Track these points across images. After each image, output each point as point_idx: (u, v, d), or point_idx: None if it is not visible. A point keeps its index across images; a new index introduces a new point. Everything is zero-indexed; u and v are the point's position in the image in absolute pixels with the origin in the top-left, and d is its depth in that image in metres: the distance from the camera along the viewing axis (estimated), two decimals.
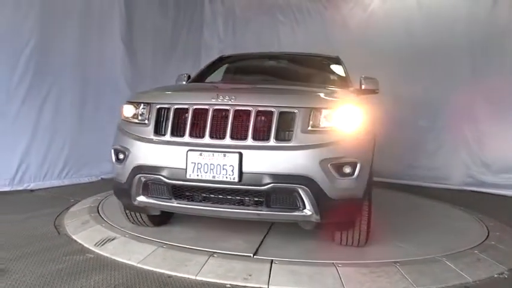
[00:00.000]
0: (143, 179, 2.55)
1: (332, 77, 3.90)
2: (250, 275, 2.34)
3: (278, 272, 2.39)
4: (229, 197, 2.45)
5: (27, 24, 4.69)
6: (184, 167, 2.39)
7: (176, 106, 2.54)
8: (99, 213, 3.52)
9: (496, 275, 2.58)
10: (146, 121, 2.62)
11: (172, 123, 2.52)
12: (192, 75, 4.07)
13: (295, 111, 2.38)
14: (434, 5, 6.15)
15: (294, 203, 2.38)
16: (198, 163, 2.37)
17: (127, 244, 2.77)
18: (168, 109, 2.57)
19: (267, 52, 4.65)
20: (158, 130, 2.57)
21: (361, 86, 3.53)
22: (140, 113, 2.69)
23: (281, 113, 2.38)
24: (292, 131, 2.36)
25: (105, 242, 2.82)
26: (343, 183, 2.36)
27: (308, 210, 2.36)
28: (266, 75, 4.16)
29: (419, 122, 6.15)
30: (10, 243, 2.83)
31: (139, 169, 2.54)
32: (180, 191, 2.53)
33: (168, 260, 2.52)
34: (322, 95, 2.73)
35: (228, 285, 2.26)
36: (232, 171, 2.31)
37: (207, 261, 2.48)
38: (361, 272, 2.42)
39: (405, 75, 6.08)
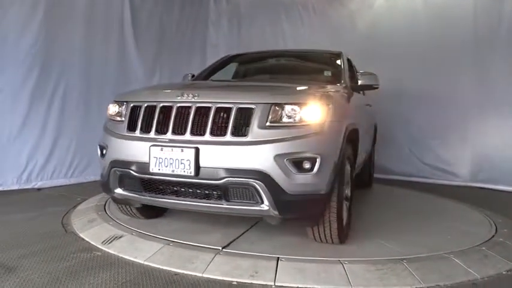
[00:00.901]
0: (118, 173, 2.71)
1: (325, 72, 3.87)
2: (256, 273, 2.34)
3: (284, 269, 2.38)
4: (191, 190, 2.53)
5: (33, 24, 4.72)
6: (148, 161, 2.51)
7: (146, 104, 2.67)
8: (105, 211, 3.54)
9: (504, 272, 2.56)
10: (122, 118, 2.78)
11: (142, 120, 2.65)
12: (197, 74, 4.12)
13: (253, 107, 2.41)
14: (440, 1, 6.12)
15: (252, 198, 2.40)
16: (159, 158, 2.47)
17: (134, 242, 2.78)
18: (140, 107, 2.69)
19: (268, 50, 4.67)
20: (130, 127, 2.71)
21: (357, 82, 3.49)
22: (119, 111, 2.85)
23: (239, 109, 2.43)
24: (249, 126, 2.39)
25: (112, 240, 2.84)
26: (301, 179, 2.36)
27: (265, 205, 2.38)
28: (265, 73, 4.30)
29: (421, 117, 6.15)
30: (18, 242, 2.85)
31: (115, 163, 2.70)
32: (148, 184, 2.64)
33: (174, 258, 2.53)
34: (286, 91, 2.72)
35: (235, 283, 2.27)
36: (189, 165, 2.40)
37: (213, 258, 2.48)
38: (368, 269, 2.40)
39: (410, 71, 6.06)
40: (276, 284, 2.26)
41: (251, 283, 2.26)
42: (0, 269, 2.36)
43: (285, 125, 2.39)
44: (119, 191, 2.77)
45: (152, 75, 6.30)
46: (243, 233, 2.97)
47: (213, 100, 2.50)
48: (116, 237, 2.87)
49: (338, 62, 3.79)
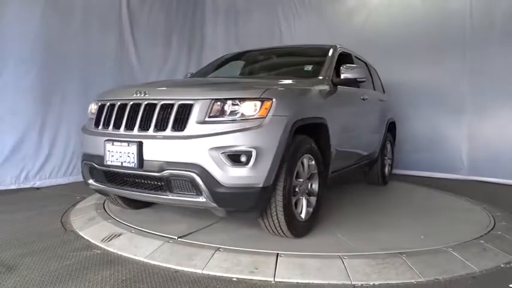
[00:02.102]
0: (87, 165, 2.95)
1: (306, 67, 3.81)
2: (256, 268, 2.35)
3: (284, 265, 2.39)
4: (140, 181, 2.68)
5: (32, 22, 4.70)
6: (104, 155, 2.72)
7: (109, 102, 2.89)
8: (105, 209, 3.54)
9: (502, 265, 2.58)
10: (93, 116, 3.02)
11: (104, 117, 2.89)
12: (195, 70, 4.17)
13: (192, 102, 2.51)
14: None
15: (191, 190, 2.49)
16: (111, 151, 2.67)
17: (133, 239, 2.79)
18: (104, 105, 2.93)
19: (261, 48, 4.63)
20: (96, 123, 2.95)
21: (339, 76, 3.44)
22: (93, 109, 3.08)
23: (180, 105, 2.54)
24: (187, 121, 2.49)
25: (112, 237, 2.84)
26: (237, 172, 2.41)
27: (203, 197, 2.46)
28: (252, 70, 4.32)
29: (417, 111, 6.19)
30: (17, 241, 2.85)
31: (84, 156, 2.98)
32: (108, 176, 2.83)
33: (174, 255, 2.54)
34: (229, 86, 2.79)
35: (235, 279, 2.27)
36: (134, 158, 2.56)
37: (213, 255, 2.49)
38: (367, 263, 2.42)
39: (405, 66, 6.09)
40: (275, 280, 2.26)
41: (251, 279, 2.27)
42: (1, 267, 2.36)
43: (224, 119, 2.47)
44: (91, 181, 3.00)
45: (149, 73, 6.28)
46: (210, 225, 3.07)
47: (158, 97, 2.64)
48: (116, 235, 2.88)
49: (324, 56, 3.74)
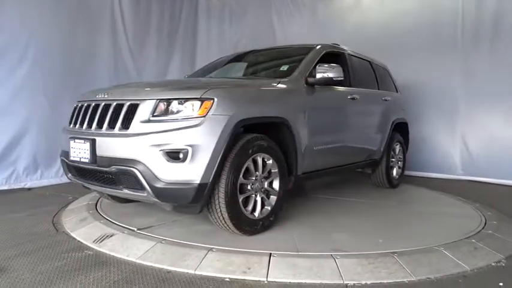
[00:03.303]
0: (63, 161, 3.17)
1: (282, 67, 3.79)
2: (249, 268, 2.35)
3: (277, 264, 2.39)
4: (98, 176, 2.84)
5: (25, 22, 4.68)
6: (69, 151, 2.95)
7: (80, 103, 3.11)
8: (97, 210, 3.52)
9: (493, 263, 2.60)
10: (70, 116, 3.22)
11: (75, 117, 3.11)
12: (189, 72, 4.16)
13: (139, 102, 2.66)
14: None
15: (136, 184, 2.60)
16: (73, 147, 2.91)
17: (126, 240, 2.77)
18: (77, 106, 3.16)
19: (252, 50, 4.60)
20: (70, 122, 3.17)
21: (315, 75, 3.43)
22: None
23: (129, 105, 2.69)
24: (133, 120, 2.64)
25: (104, 238, 2.82)
26: (175, 168, 2.52)
27: (145, 192, 2.58)
28: (235, 71, 4.36)
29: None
30: (8, 242, 2.83)
31: (61, 152, 3.20)
32: (77, 170, 3.02)
33: (167, 255, 2.53)
34: (174, 87, 2.87)
35: (227, 279, 2.27)
36: (88, 154, 2.77)
37: (206, 255, 2.48)
38: (359, 263, 2.43)
39: (397, 66, 6.08)
40: (268, 280, 2.26)
41: (244, 279, 2.27)
42: None
43: (166, 118, 2.58)
44: (69, 175, 3.20)
45: (142, 73, 6.26)
46: (174, 221, 3.19)
47: (113, 98, 2.82)
48: (108, 235, 2.86)
49: (303, 56, 3.72)
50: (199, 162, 2.52)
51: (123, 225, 3.04)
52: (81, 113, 3.02)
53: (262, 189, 2.97)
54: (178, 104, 2.60)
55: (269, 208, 2.99)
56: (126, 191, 2.71)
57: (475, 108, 5.82)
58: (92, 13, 5.50)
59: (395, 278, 2.32)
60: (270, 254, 2.49)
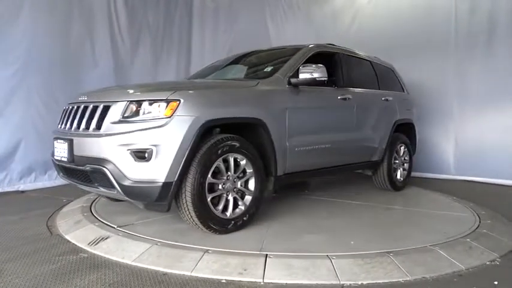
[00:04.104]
0: (52, 160, 3.28)
1: (267, 68, 3.80)
2: (245, 270, 2.34)
3: (273, 265, 2.39)
4: (77, 174, 2.97)
5: (19, 23, 4.65)
6: (53, 150, 3.14)
7: (67, 106, 3.23)
8: (92, 212, 3.49)
9: (488, 262, 2.62)
10: (60, 117, 3.33)
11: (61, 118, 3.24)
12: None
13: (110, 104, 2.77)
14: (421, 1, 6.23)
15: (107, 182, 2.70)
16: (56, 147, 3.09)
17: (121, 242, 2.75)
18: (65, 107, 3.28)
19: (242, 53, 4.59)
20: (59, 124, 3.28)
21: (298, 76, 3.42)
22: None
23: (103, 107, 2.80)
24: (104, 121, 2.76)
25: (99, 241, 2.80)
26: (140, 167, 2.62)
27: (115, 189, 2.68)
28: (226, 73, 4.34)
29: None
30: (1, 245, 2.80)
31: (52, 152, 3.27)
32: (63, 169, 3.14)
33: (162, 257, 2.51)
34: (144, 89, 2.94)
35: (224, 281, 2.27)
36: (67, 153, 2.93)
37: (202, 257, 2.47)
38: (355, 263, 2.43)
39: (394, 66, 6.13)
40: (264, 281, 2.26)
41: (240, 280, 2.26)
42: None
43: (135, 119, 2.68)
44: (60, 174, 3.29)
45: (137, 74, 6.24)
46: (157, 219, 3.26)
47: (90, 100, 2.96)
48: (103, 238, 2.84)
49: (289, 57, 3.72)
50: (163, 162, 2.61)
51: (107, 223, 3.14)
52: (66, 115, 3.16)
53: (235, 189, 3.00)
54: (146, 105, 2.69)
55: (243, 208, 3.02)
56: (100, 188, 2.82)
57: (468, 109, 5.87)
58: (87, 16, 5.48)
59: (391, 277, 2.32)
60: (266, 255, 2.49)
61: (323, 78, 3.38)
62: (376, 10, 6.62)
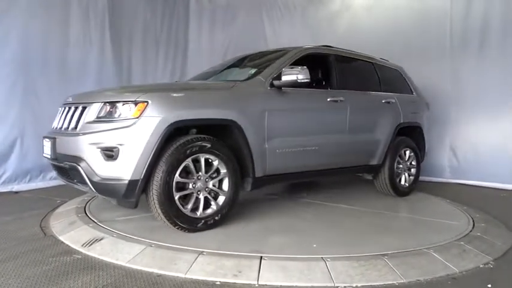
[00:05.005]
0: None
1: (251, 70, 3.81)
2: (240, 272, 2.34)
3: (268, 267, 2.38)
4: (62, 171, 3.14)
5: (12, 24, 4.63)
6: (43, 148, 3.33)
7: (61, 106, 3.36)
8: (86, 213, 3.47)
9: (481, 265, 2.63)
10: None
11: (55, 119, 3.37)
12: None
13: (88, 105, 2.93)
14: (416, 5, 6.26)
15: (82, 179, 2.85)
16: (44, 145, 3.27)
17: (115, 244, 2.74)
18: (59, 108, 3.40)
19: (244, 54, 4.56)
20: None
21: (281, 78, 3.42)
22: None
23: (82, 108, 2.98)
24: (80, 121, 2.93)
25: (93, 242, 2.79)
26: (108, 165, 2.75)
27: (87, 186, 2.84)
28: (219, 76, 4.31)
29: None
30: None
31: None
32: (53, 166, 3.32)
33: (157, 259, 2.50)
34: (117, 91, 3.12)
35: (218, 283, 2.26)
36: (50, 151, 3.11)
37: (196, 259, 2.47)
38: (350, 265, 2.43)
39: None
40: (259, 283, 2.26)
41: (234, 283, 2.26)
42: None
43: (107, 119, 2.82)
44: (55, 173, 3.44)
45: (133, 76, 6.23)
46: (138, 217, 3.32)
47: (74, 102, 3.14)
48: (97, 239, 2.82)
49: (275, 59, 3.72)
50: (129, 160, 2.71)
51: (99, 223, 3.17)
52: (57, 116, 3.34)
53: (207, 189, 3.04)
54: (118, 106, 2.81)
55: (215, 208, 3.06)
56: (79, 184, 2.97)
57: (462, 113, 5.90)
58: (84, 16, 5.46)
59: (386, 280, 2.33)
60: (261, 257, 2.49)
61: (305, 80, 3.35)
62: (372, 13, 6.64)
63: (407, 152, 4.78)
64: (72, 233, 3.03)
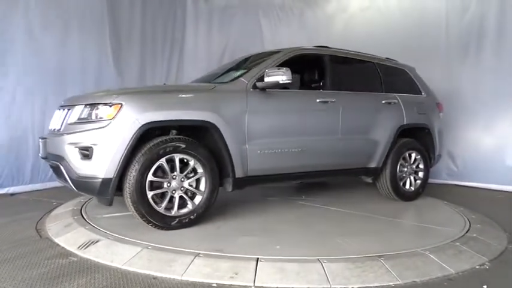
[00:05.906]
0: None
1: (238, 72, 3.81)
2: (236, 274, 2.34)
3: (264, 269, 2.38)
4: (52, 169, 3.36)
5: (10, 27, 4.63)
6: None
7: (58, 109, 3.44)
8: (82, 215, 3.46)
9: (477, 266, 2.64)
10: None
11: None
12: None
13: (72, 108, 3.08)
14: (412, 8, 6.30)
15: (64, 177, 3.02)
16: (39, 145, 3.43)
17: (111, 246, 2.73)
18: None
19: (238, 58, 4.55)
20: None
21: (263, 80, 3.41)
22: None
23: (68, 110, 3.12)
24: (64, 122, 3.09)
25: (89, 244, 2.78)
26: (84, 164, 2.89)
27: (68, 183, 3.01)
28: (213, 78, 4.26)
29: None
30: None
31: None
32: (50, 166, 3.46)
33: (153, 261, 2.50)
34: (98, 94, 3.22)
35: (214, 285, 2.26)
36: (42, 150, 3.33)
37: (192, 261, 2.46)
38: (346, 267, 2.43)
39: None
40: (255, 285, 2.26)
41: (231, 284, 2.26)
42: None
43: (86, 120, 2.95)
44: (50, 173, 3.64)
45: (130, 78, 6.22)
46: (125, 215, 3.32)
47: (64, 104, 3.28)
48: (93, 241, 2.81)
49: (262, 61, 3.73)
50: (103, 160, 2.83)
51: (94, 225, 3.19)
52: (53, 118, 3.45)
53: (182, 188, 3.10)
54: (96, 108, 2.93)
55: (190, 207, 3.12)
56: (64, 182, 3.11)
57: (459, 115, 5.92)
58: (83, 18, 5.45)
59: (382, 281, 2.34)
60: (257, 258, 2.48)
61: (287, 81, 3.33)
62: (368, 15, 6.67)
63: (413, 155, 4.56)
64: (68, 235, 3.02)
